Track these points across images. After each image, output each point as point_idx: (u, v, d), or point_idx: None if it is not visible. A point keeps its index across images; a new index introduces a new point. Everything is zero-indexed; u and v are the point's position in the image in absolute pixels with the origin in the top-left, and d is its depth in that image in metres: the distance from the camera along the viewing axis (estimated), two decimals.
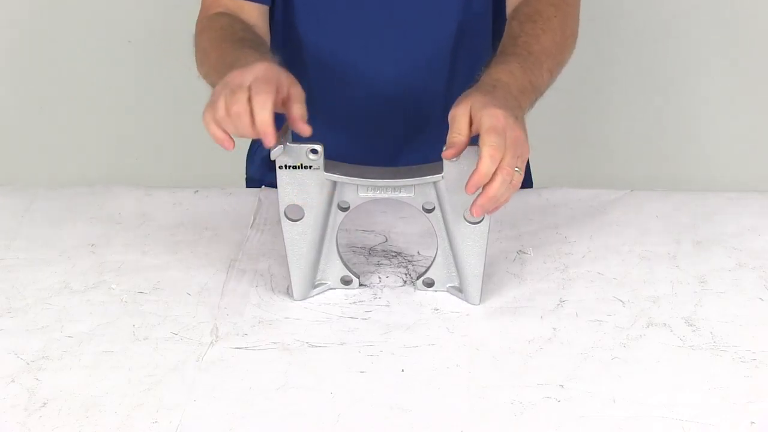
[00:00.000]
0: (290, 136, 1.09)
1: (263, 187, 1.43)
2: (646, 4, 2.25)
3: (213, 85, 1.13)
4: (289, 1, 1.38)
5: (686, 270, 1.23)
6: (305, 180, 1.10)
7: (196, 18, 1.37)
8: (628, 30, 2.27)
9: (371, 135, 1.41)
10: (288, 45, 1.40)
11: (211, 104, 1.06)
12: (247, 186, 1.56)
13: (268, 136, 1.03)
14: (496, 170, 1.02)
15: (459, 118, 1.05)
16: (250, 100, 1.03)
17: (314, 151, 1.08)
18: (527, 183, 1.56)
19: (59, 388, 1.03)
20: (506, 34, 1.26)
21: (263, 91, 1.03)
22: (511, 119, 1.04)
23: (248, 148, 1.60)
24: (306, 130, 1.05)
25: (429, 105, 1.39)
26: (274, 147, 1.05)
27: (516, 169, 1.04)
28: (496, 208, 1.06)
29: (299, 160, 1.09)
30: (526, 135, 1.07)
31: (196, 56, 1.31)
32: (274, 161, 1.09)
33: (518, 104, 1.11)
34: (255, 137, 1.04)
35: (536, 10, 1.27)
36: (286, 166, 1.09)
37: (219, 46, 1.24)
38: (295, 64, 1.39)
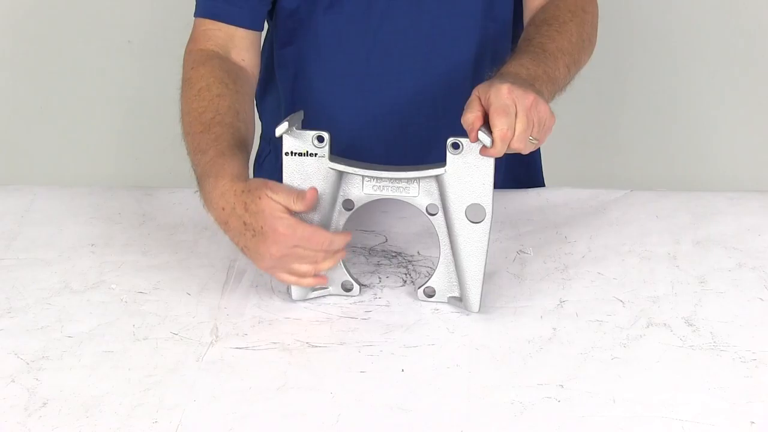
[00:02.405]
0: (300, 124, 1.11)
1: None
2: (648, 5, 2.25)
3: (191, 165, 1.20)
4: (307, 24, 1.37)
5: (686, 270, 1.23)
6: (310, 168, 1.11)
7: (194, 21, 1.37)
8: (629, 31, 2.27)
9: (390, 147, 1.40)
10: (301, 65, 1.40)
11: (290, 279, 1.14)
12: None
13: (320, 279, 1.14)
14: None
15: (470, 102, 1.07)
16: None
17: (320, 139, 1.10)
18: (539, 183, 1.56)
19: (59, 388, 1.03)
20: (522, 38, 1.27)
21: (306, 261, 1.11)
22: (519, 90, 1.05)
23: (255, 156, 1.59)
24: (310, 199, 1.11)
25: (452, 110, 1.39)
26: (281, 127, 1.08)
27: (530, 138, 1.05)
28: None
29: (305, 148, 1.10)
30: (543, 101, 1.07)
31: (182, 87, 1.29)
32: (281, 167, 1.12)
33: (530, 85, 1.11)
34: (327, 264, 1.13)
35: (552, 15, 1.28)
36: (292, 153, 1.10)
37: (195, 136, 1.23)
38: (312, 81, 1.39)
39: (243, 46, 1.33)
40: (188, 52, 1.34)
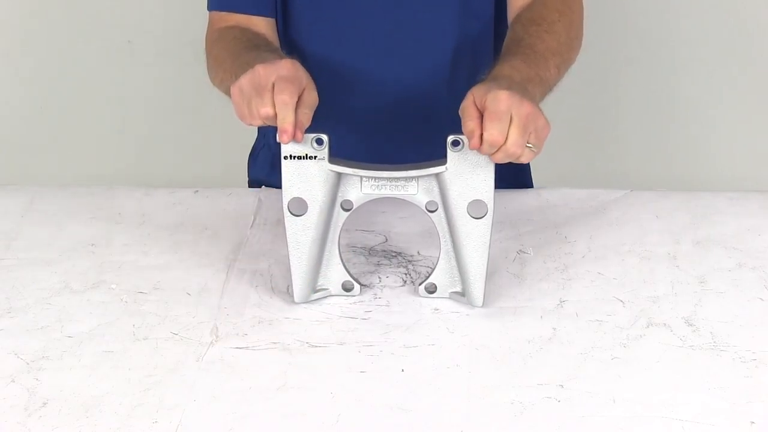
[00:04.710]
0: None
1: (263, 187, 1.43)
2: (647, 5, 2.25)
3: (228, 89, 1.15)
4: (291, 16, 1.38)
5: (686, 270, 1.23)
6: (309, 171, 1.11)
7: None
8: (628, 30, 2.27)
9: (376, 139, 1.40)
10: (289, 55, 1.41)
11: (240, 106, 1.10)
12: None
13: (287, 135, 1.06)
14: (499, 148, 1.04)
15: (466, 108, 1.06)
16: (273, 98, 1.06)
17: (319, 141, 1.10)
18: (528, 183, 1.56)
19: (59, 388, 1.03)
20: (510, 38, 1.27)
21: (286, 91, 1.06)
22: (516, 97, 1.05)
23: (250, 151, 1.60)
24: (298, 137, 1.07)
25: (432, 107, 1.40)
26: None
27: (528, 145, 1.05)
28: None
29: (304, 151, 1.10)
30: (540, 110, 1.07)
31: (208, 66, 1.32)
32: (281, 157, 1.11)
33: (524, 89, 1.11)
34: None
35: (540, 14, 1.28)
36: (291, 157, 1.10)
37: (234, 52, 1.26)
38: None
39: (261, 30, 1.35)
40: (207, 36, 1.35)
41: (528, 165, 1.57)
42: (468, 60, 1.39)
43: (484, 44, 1.39)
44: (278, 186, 1.13)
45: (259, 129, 1.55)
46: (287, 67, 1.09)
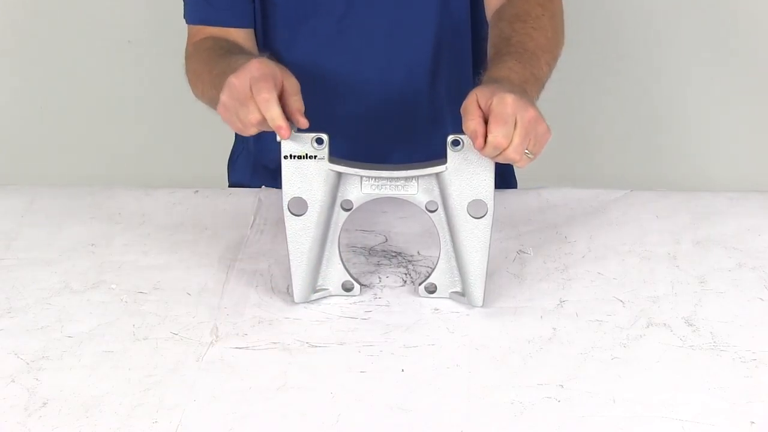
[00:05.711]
0: (296, 127, 1.11)
1: (263, 187, 1.43)
2: (646, 3, 2.25)
3: (211, 100, 1.16)
4: (271, 27, 1.38)
5: (686, 270, 1.23)
6: (309, 171, 1.11)
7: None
8: (628, 29, 2.27)
9: (360, 141, 1.39)
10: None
11: (232, 122, 1.11)
12: None
13: (283, 130, 1.06)
14: (500, 153, 1.04)
15: (469, 107, 1.06)
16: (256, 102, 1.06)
17: (319, 141, 1.10)
18: (512, 184, 1.56)
19: (59, 388, 1.03)
20: (497, 36, 1.26)
21: (264, 89, 1.06)
22: (522, 102, 1.05)
23: (229, 155, 1.60)
24: (304, 122, 1.08)
25: (414, 106, 1.40)
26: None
27: (526, 151, 1.05)
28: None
29: (304, 150, 1.10)
30: (541, 116, 1.07)
31: (189, 81, 1.33)
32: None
33: (524, 91, 1.11)
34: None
35: (524, 10, 1.27)
36: (291, 156, 1.10)
37: (209, 62, 1.27)
38: None
39: (239, 40, 1.36)
40: (185, 50, 1.35)
41: (512, 166, 1.57)
42: (446, 58, 1.39)
43: (460, 41, 1.39)
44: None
45: (237, 133, 1.55)
46: (256, 67, 1.09)
